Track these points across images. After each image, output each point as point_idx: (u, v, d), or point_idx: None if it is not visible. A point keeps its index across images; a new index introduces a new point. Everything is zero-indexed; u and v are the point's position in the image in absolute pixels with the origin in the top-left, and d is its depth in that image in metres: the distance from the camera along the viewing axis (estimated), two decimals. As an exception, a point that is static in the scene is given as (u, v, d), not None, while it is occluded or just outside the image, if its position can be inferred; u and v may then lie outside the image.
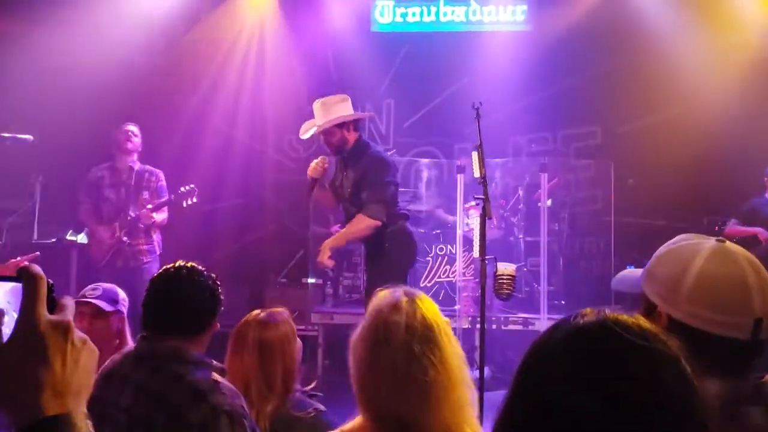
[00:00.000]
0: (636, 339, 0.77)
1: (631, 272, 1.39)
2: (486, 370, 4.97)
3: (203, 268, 1.95)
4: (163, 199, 4.63)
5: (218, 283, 1.96)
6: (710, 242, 1.20)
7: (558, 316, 4.21)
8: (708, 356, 1.08)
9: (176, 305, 1.87)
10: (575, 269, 6.39)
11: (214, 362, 1.87)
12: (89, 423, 0.74)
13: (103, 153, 5.07)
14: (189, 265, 1.93)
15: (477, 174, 3.16)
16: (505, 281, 3.33)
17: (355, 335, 1.62)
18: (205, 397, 1.69)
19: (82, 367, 0.73)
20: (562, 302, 5.96)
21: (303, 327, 5.83)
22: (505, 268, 3.36)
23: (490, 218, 3.07)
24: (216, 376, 1.81)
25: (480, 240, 3.10)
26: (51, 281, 0.76)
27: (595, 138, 6.98)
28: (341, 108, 3.85)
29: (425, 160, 6.84)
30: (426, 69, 6.95)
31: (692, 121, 6.14)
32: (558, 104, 6.73)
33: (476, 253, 3.23)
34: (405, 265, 3.91)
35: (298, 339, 2.23)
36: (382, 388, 1.52)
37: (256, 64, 7.23)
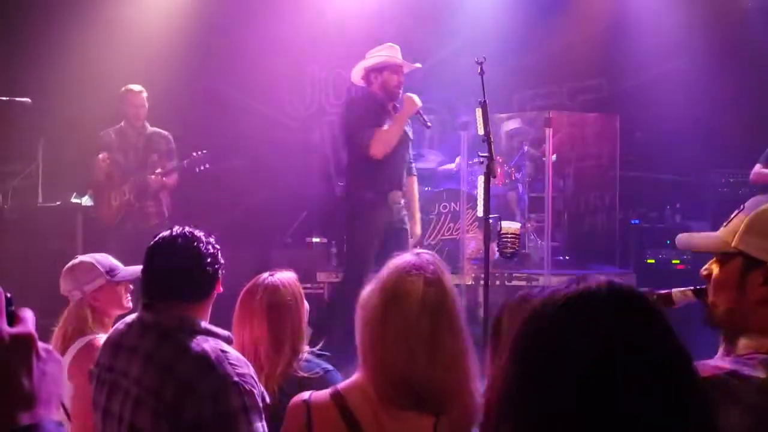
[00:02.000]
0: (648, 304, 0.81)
1: (700, 234, 1.46)
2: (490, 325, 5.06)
3: (201, 233, 1.92)
4: (176, 164, 4.61)
5: (217, 246, 1.94)
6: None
7: (562, 272, 4.26)
8: None
9: (176, 272, 1.85)
10: (580, 224, 6.39)
11: (222, 331, 1.87)
12: (63, 427, 0.74)
13: (105, 113, 5.04)
14: (186, 230, 1.91)
15: (480, 131, 3.11)
16: (509, 239, 3.32)
17: (367, 292, 1.63)
18: (214, 368, 1.70)
19: (49, 376, 0.73)
20: (566, 258, 5.98)
21: (309, 285, 5.91)
22: (509, 226, 3.35)
23: (494, 176, 3.04)
24: (224, 345, 1.80)
25: (484, 199, 3.08)
26: (9, 294, 0.74)
27: (601, 90, 6.87)
28: None
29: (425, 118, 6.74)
30: (427, 23, 6.79)
31: (699, 73, 6.01)
32: (564, 57, 6.59)
33: (480, 212, 3.21)
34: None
35: (306, 301, 2.24)
36: (395, 347, 1.55)
37: (251, 21, 7.07)
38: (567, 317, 0.79)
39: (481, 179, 3.19)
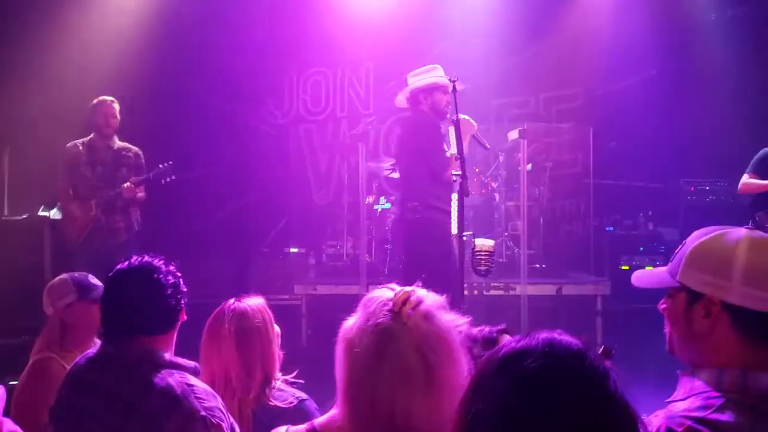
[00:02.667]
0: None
1: (652, 271, 1.41)
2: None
3: (160, 261, 1.86)
4: (142, 177, 4.53)
5: (178, 274, 1.89)
6: (742, 230, 1.26)
7: (539, 280, 4.29)
8: (764, 333, 1.17)
9: (136, 306, 1.77)
10: (555, 232, 6.46)
11: (188, 362, 1.83)
12: None
13: (74, 122, 4.91)
14: (145, 260, 1.85)
15: (453, 150, 3.11)
16: (483, 257, 3.34)
17: (355, 327, 1.60)
18: (180, 404, 1.64)
19: None
20: (543, 266, 6.04)
21: (286, 297, 5.87)
22: (483, 243, 3.37)
23: (467, 195, 3.05)
24: (190, 378, 1.71)
25: (458, 217, 3.08)
26: None
27: (576, 100, 6.95)
28: None
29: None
30: (406, 31, 6.79)
31: (669, 84, 6.12)
32: (540, 66, 6.66)
33: (454, 229, 3.22)
34: None
35: (276, 326, 2.21)
36: (382, 384, 1.52)
37: (226, 26, 7.00)
38: (500, 383, 0.88)
39: (454, 197, 3.20)
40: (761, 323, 1.18)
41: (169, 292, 1.81)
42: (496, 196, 5.99)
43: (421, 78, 3.91)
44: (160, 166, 4.49)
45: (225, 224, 6.91)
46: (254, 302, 2.16)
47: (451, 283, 3.22)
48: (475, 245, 3.33)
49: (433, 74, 3.90)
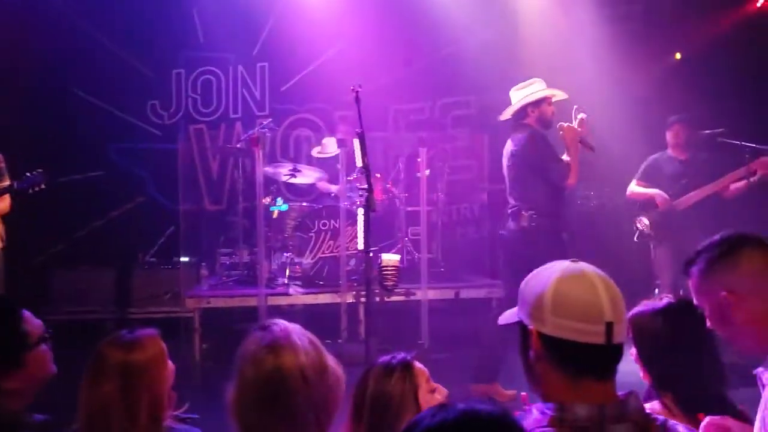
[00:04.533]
0: None
1: (513, 309, 1.44)
2: (371, 343, 5.02)
3: (12, 303, 1.66)
4: (4, 185, 4.00)
5: (17, 309, 1.67)
6: (565, 262, 1.30)
7: (438, 285, 4.30)
8: (576, 364, 1.21)
9: None
10: (453, 236, 6.59)
11: (35, 418, 1.59)
12: None
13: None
14: None
15: (359, 163, 3.02)
16: (389, 273, 3.29)
17: (239, 388, 1.50)
18: None
19: None
20: (442, 269, 6.13)
21: (177, 309, 5.50)
22: (390, 259, 3.31)
23: (374, 210, 2.97)
24: None
25: (365, 232, 2.99)
26: None
27: (471, 107, 7.13)
28: None
29: (305, 131, 6.60)
30: (301, 31, 6.62)
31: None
32: (437, 72, 6.75)
33: (360, 245, 3.13)
34: None
35: (170, 362, 1.99)
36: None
37: (107, 23, 6.46)
38: None
39: (360, 212, 3.11)
40: (574, 353, 1.21)
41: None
42: (397, 201, 6.00)
43: (528, 92, 4.13)
44: (28, 174, 4.01)
45: (107, 232, 6.36)
46: (146, 335, 1.93)
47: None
48: (381, 261, 3.26)
49: (538, 87, 4.14)
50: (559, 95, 4.19)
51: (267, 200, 5.81)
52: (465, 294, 5.64)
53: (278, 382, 1.42)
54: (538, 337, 1.25)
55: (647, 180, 4.89)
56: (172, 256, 6.07)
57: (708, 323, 1.60)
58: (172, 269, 5.94)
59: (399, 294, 5.45)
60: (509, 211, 4.25)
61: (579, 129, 4.02)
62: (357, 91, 3.21)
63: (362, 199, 2.94)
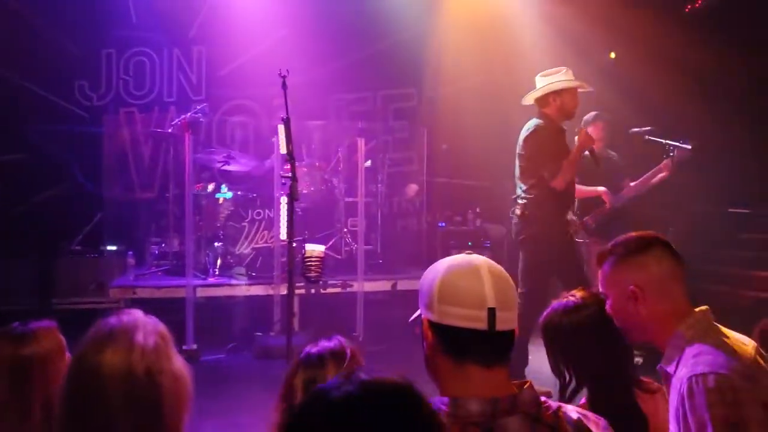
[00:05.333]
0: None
1: None
2: (304, 335, 4.94)
3: None
4: None
5: None
6: (460, 255, 1.32)
7: (375, 277, 4.25)
8: (461, 350, 1.22)
9: None
10: (392, 227, 6.57)
11: None
12: None
13: None
14: None
15: (283, 150, 2.93)
16: (313, 264, 3.22)
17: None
18: None
19: None
20: (380, 261, 6.10)
21: (103, 300, 5.27)
22: (313, 249, 3.25)
23: (297, 199, 2.89)
24: None
25: (288, 222, 2.91)
26: None
27: (412, 100, 7.12)
28: None
29: (237, 119, 6.42)
30: (241, 16, 6.43)
31: (497, 88, 6.50)
32: (379, 63, 6.70)
33: (283, 235, 3.05)
34: None
35: (68, 354, 1.86)
36: None
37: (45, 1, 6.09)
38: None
39: (284, 201, 3.03)
40: (458, 339, 1.23)
41: None
42: (336, 192, 5.92)
43: (553, 80, 4.03)
44: None
45: (28, 219, 6.01)
46: (41, 327, 1.80)
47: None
48: (305, 251, 3.20)
49: (564, 77, 4.04)
50: (583, 87, 4.14)
51: (211, 187, 5.63)
52: (402, 286, 5.63)
53: (91, 379, 1.25)
54: (429, 326, 1.27)
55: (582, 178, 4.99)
56: (98, 245, 5.80)
57: (608, 309, 1.70)
58: (98, 258, 5.68)
59: (335, 286, 5.40)
60: (512, 197, 4.23)
61: (594, 139, 4.05)
62: (284, 77, 3.12)
63: (286, 187, 2.86)
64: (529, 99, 4.20)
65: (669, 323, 1.61)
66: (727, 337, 1.58)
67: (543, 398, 1.26)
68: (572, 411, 1.26)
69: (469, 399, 1.19)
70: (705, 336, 1.56)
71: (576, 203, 4.54)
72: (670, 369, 1.57)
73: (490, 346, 1.23)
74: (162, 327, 1.37)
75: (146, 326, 1.34)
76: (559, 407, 1.25)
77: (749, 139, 6.32)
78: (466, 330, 1.22)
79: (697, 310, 1.63)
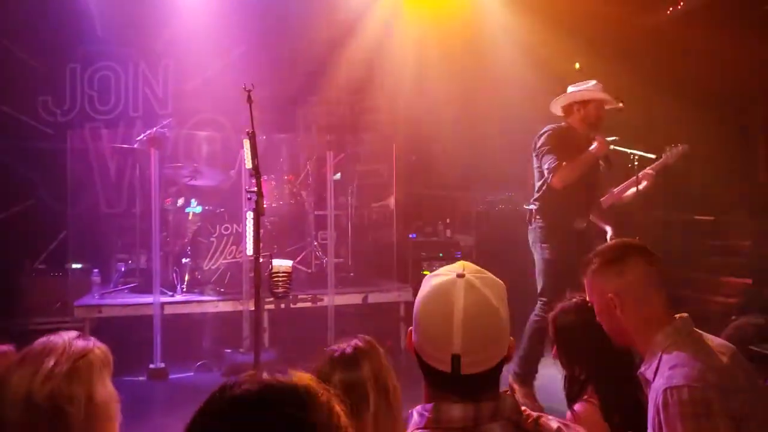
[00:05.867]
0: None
1: None
2: (274, 351, 4.89)
3: None
4: None
5: None
6: (449, 276, 1.23)
7: (345, 290, 4.21)
8: (434, 383, 1.20)
9: None
10: (363, 240, 6.56)
11: None
12: None
13: None
14: None
15: (249, 165, 2.91)
16: (280, 279, 3.21)
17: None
18: None
19: None
20: (351, 274, 6.07)
21: (68, 320, 5.15)
22: (280, 265, 3.23)
23: (262, 214, 2.87)
24: None
25: (254, 237, 2.88)
26: None
27: (381, 112, 7.14)
28: None
29: (204, 133, 6.36)
30: (208, 29, 6.38)
31: (465, 99, 6.54)
32: (347, 75, 6.70)
33: (249, 250, 3.02)
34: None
35: None
36: None
37: (1, 11, 5.97)
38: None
39: (250, 216, 3.00)
40: (427, 370, 1.21)
41: None
42: (306, 205, 5.89)
43: (581, 90, 4.07)
44: None
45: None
46: None
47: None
48: (272, 267, 3.17)
49: (592, 88, 4.07)
50: (610, 102, 4.11)
51: (181, 201, 5.55)
52: (373, 298, 5.61)
53: None
54: (410, 341, 1.25)
55: None
56: (63, 263, 5.67)
57: (597, 317, 1.76)
58: (63, 277, 5.56)
59: (305, 300, 5.35)
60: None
61: (609, 146, 4.01)
62: (249, 91, 3.10)
63: (252, 202, 2.83)
64: (555, 107, 4.22)
65: (648, 330, 1.65)
66: (705, 346, 1.62)
67: (523, 407, 1.27)
68: (552, 420, 1.27)
69: (452, 405, 1.18)
70: (683, 344, 1.60)
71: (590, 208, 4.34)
72: (649, 375, 1.62)
73: (459, 388, 1.19)
74: (96, 351, 1.31)
75: (67, 349, 1.28)
76: (539, 416, 1.26)
77: (716, 147, 6.47)
78: (434, 369, 1.19)
79: (677, 316, 1.67)
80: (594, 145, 3.95)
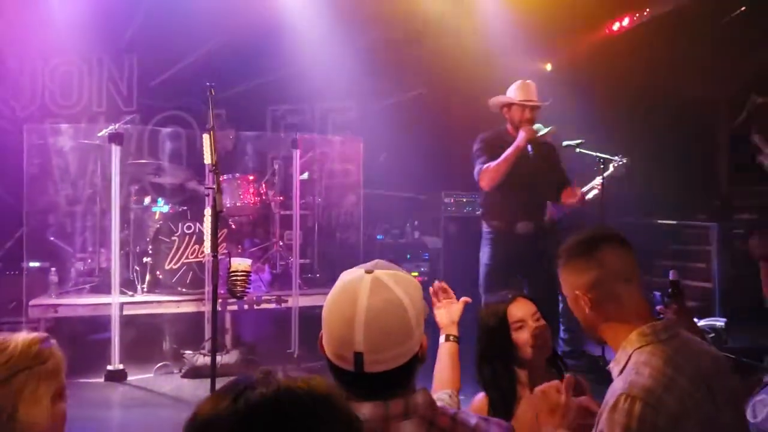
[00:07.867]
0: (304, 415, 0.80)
1: None
2: (236, 353, 4.82)
3: None
4: None
5: None
6: (357, 273, 1.21)
7: (311, 291, 4.17)
8: (339, 382, 1.17)
9: None
10: (330, 240, 6.52)
11: None
12: None
13: None
14: None
15: (208, 160, 2.87)
16: (239, 279, 3.15)
17: None
18: None
19: None
20: (317, 275, 6.02)
21: (23, 320, 5.00)
22: (239, 264, 3.18)
23: (221, 211, 2.82)
24: None
25: (212, 235, 2.83)
26: None
27: (350, 112, 7.12)
28: None
29: (167, 130, 6.26)
30: (174, 25, 6.28)
31: (434, 100, 6.58)
32: (317, 76, 6.67)
33: (207, 248, 2.97)
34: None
35: None
36: None
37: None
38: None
39: (207, 212, 2.95)
40: (333, 369, 1.20)
41: None
42: (272, 204, 5.83)
43: (508, 93, 4.12)
44: None
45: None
46: None
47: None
48: (230, 266, 3.11)
49: (515, 91, 4.10)
50: (527, 102, 4.10)
51: (147, 200, 5.45)
52: (339, 300, 5.56)
53: None
54: (321, 341, 1.23)
55: None
56: (19, 262, 5.51)
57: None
58: (19, 276, 5.39)
59: (269, 301, 5.29)
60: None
61: (535, 134, 4.01)
62: (211, 86, 3.08)
63: (209, 199, 2.78)
64: (494, 108, 4.30)
65: (619, 327, 1.53)
66: (684, 356, 1.47)
67: (440, 403, 1.25)
68: (472, 416, 1.25)
69: (361, 404, 1.14)
70: (656, 349, 1.47)
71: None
72: (615, 373, 1.52)
73: (366, 387, 1.16)
74: (48, 365, 1.22)
75: (13, 357, 1.21)
76: (456, 412, 1.24)
77: (676, 152, 6.60)
78: (339, 368, 1.17)
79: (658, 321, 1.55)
80: (519, 136, 4.01)
